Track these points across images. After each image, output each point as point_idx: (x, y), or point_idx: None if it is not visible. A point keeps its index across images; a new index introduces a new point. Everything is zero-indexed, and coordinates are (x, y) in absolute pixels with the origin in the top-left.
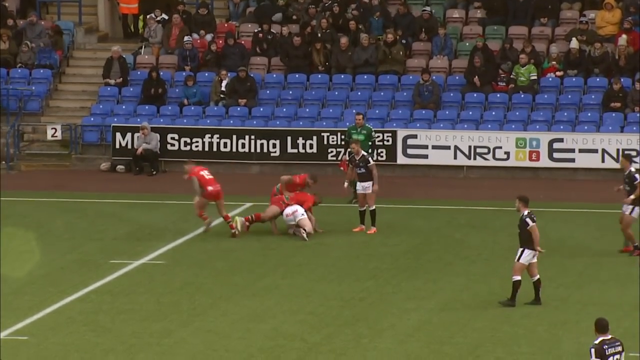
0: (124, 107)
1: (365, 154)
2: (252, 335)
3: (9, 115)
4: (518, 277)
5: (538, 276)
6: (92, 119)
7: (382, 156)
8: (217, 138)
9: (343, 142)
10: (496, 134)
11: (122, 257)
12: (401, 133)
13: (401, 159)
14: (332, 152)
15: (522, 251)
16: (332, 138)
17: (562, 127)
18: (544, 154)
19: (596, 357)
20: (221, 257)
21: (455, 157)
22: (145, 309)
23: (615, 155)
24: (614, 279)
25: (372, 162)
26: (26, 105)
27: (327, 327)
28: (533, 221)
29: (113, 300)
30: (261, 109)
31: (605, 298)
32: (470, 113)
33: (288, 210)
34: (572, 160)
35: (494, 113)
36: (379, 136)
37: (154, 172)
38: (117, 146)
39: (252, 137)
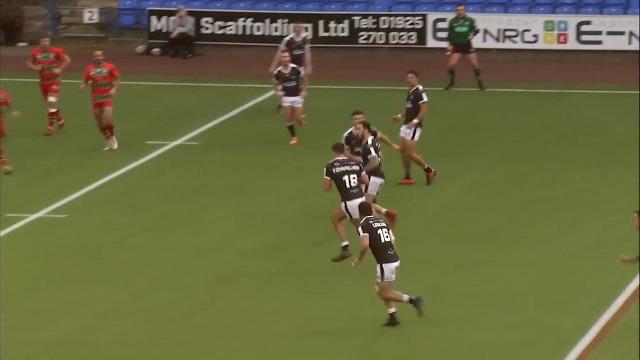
0: None
1: (294, 66)
2: (284, 215)
3: None
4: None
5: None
6: (128, 2)
7: (412, 39)
8: (251, 22)
9: (448, 35)
10: (525, 18)
11: (158, 139)
12: (431, 17)
13: (431, 43)
14: (363, 35)
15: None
16: (364, 22)
17: (590, 10)
18: (571, 36)
19: (365, 232)
20: (254, 138)
21: (484, 40)
22: (179, 190)
23: None
24: (638, 160)
25: (302, 74)
26: None
27: None
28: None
29: (148, 181)
30: None
31: (627, 177)
32: None
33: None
34: (600, 42)
35: None
36: (409, 20)
37: (189, 56)
38: (153, 30)
39: (285, 20)
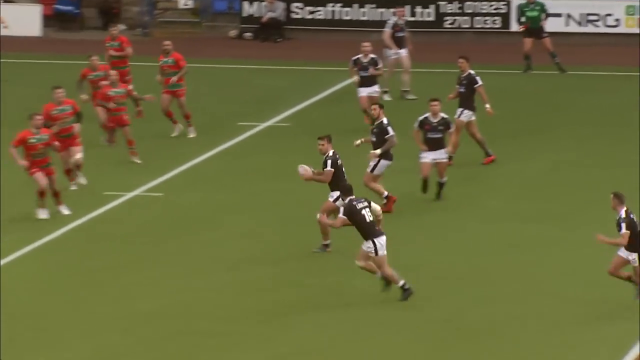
0: None
1: (374, 56)
2: (371, 196)
3: None
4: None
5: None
6: None
7: (496, 23)
8: (340, 7)
9: (520, 19)
10: (607, 2)
11: (249, 120)
12: (515, 1)
13: (515, 26)
14: (447, 20)
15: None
16: (449, 7)
17: None
18: None
19: (344, 214)
20: (341, 120)
21: (567, 24)
22: (269, 169)
23: None
24: None
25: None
26: None
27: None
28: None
29: (239, 160)
30: None
31: None
32: None
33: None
34: None
35: None
36: (493, 4)
37: (279, 40)
38: (245, 14)
39: (373, 6)
